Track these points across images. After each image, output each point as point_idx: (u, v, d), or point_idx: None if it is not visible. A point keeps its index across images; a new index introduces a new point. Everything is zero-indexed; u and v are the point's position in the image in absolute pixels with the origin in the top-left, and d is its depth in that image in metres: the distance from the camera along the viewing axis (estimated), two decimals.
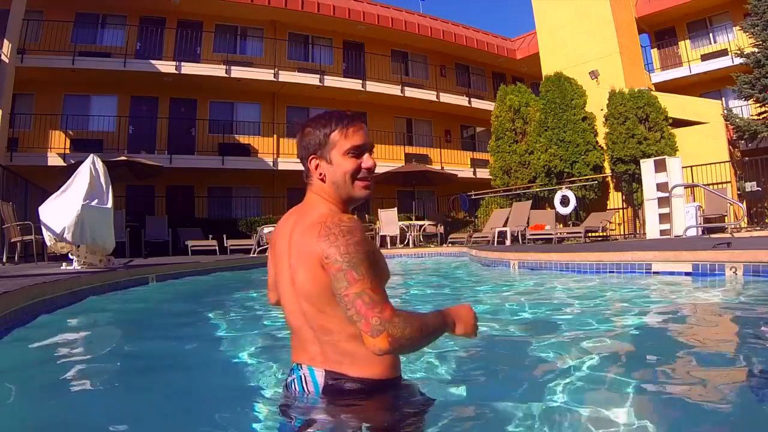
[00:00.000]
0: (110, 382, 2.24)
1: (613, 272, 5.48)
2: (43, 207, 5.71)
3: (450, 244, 14.03)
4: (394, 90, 18.85)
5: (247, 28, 18.40)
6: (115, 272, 5.72)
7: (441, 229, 15.81)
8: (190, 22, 17.17)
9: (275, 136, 17.98)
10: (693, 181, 11.46)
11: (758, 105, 14.23)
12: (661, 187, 10.15)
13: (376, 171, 1.41)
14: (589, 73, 14.53)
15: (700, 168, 12.06)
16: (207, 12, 17.16)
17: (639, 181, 11.57)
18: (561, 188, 13.38)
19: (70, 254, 5.87)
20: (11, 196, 9.50)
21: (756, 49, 13.85)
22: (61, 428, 1.66)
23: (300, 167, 1.41)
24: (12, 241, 8.21)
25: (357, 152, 1.32)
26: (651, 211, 10.38)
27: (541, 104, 14.58)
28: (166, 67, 15.60)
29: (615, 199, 13.99)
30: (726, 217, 11.18)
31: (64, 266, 5.94)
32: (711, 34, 18.35)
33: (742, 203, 12.30)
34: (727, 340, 2.80)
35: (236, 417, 1.73)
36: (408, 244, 14.87)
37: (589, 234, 12.54)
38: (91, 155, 6.11)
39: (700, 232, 10.19)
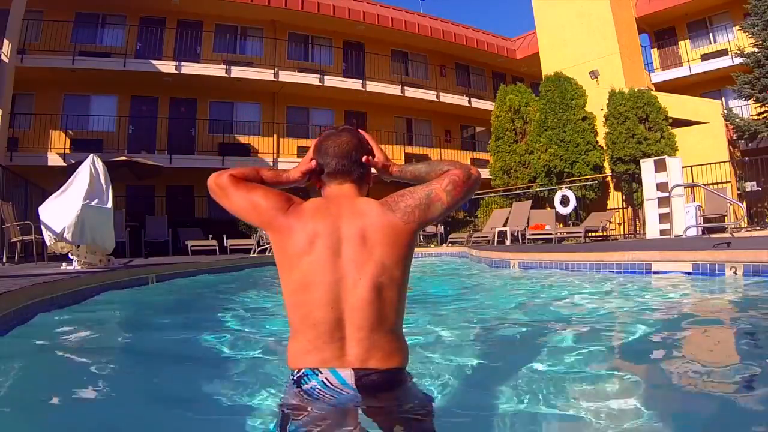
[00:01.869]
0: (110, 382, 2.24)
1: (612, 272, 5.47)
2: (43, 207, 5.71)
3: (450, 244, 14.04)
4: (394, 90, 18.83)
5: (247, 28, 18.38)
6: (115, 272, 5.71)
7: (441, 228, 15.81)
8: (190, 22, 17.16)
9: (275, 136, 17.97)
10: (693, 181, 11.46)
11: (758, 105, 14.22)
12: (661, 187, 10.15)
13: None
14: (589, 72, 14.53)
15: (700, 168, 12.05)
16: (207, 12, 17.15)
17: (639, 181, 11.56)
18: (561, 188, 13.38)
19: (70, 254, 5.86)
20: (11, 196, 9.50)
21: (756, 49, 13.85)
22: (61, 427, 1.66)
23: None
24: (12, 241, 8.21)
25: None
26: (651, 211, 10.38)
27: (541, 104, 14.58)
28: (166, 67, 15.59)
29: (615, 199, 13.99)
30: (726, 217, 11.18)
31: (64, 266, 5.93)
32: (711, 34, 18.34)
33: (742, 203, 12.30)
34: (727, 340, 2.80)
35: (237, 417, 1.73)
36: None
37: (589, 234, 12.55)
38: (91, 155, 6.10)
39: (700, 232, 10.19)
